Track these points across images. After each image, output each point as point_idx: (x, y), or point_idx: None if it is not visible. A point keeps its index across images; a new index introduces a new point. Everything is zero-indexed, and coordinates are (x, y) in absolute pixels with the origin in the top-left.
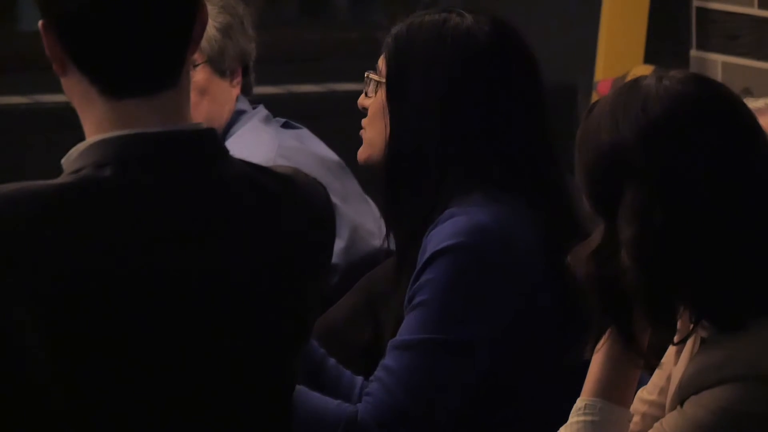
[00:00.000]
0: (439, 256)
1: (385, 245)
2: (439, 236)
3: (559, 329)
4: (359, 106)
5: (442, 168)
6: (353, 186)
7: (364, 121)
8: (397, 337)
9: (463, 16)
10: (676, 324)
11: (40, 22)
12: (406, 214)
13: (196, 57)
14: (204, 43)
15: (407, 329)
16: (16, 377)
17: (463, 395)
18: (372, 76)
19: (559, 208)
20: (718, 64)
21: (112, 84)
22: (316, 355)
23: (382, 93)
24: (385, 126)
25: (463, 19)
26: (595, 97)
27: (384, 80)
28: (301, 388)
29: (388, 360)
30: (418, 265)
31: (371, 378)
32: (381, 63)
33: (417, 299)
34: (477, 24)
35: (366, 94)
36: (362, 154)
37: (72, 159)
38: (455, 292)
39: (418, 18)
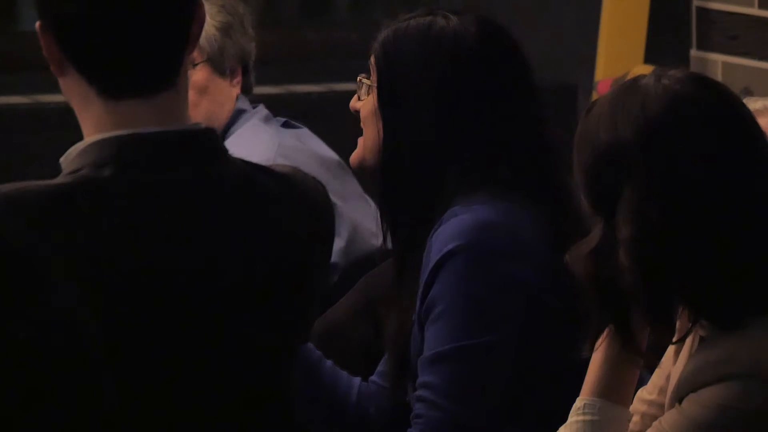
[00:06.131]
0: (447, 260)
1: (384, 245)
2: (444, 237)
3: (566, 325)
4: (351, 109)
5: (439, 170)
6: (353, 185)
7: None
8: (427, 352)
9: (448, 17)
10: (674, 323)
11: (37, 23)
12: (403, 219)
13: (196, 56)
14: (204, 42)
15: (435, 342)
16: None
17: (502, 392)
18: (364, 80)
19: (563, 203)
20: (718, 64)
21: (110, 84)
22: (312, 357)
23: (373, 96)
24: (378, 131)
25: (449, 21)
26: (595, 97)
27: (375, 84)
28: None
29: (425, 377)
30: (426, 268)
31: (413, 397)
32: (372, 67)
33: (437, 309)
34: (463, 25)
35: (359, 98)
36: (355, 158)
37: (71, 159)
38: (473, 294)
39: (404, 22)
